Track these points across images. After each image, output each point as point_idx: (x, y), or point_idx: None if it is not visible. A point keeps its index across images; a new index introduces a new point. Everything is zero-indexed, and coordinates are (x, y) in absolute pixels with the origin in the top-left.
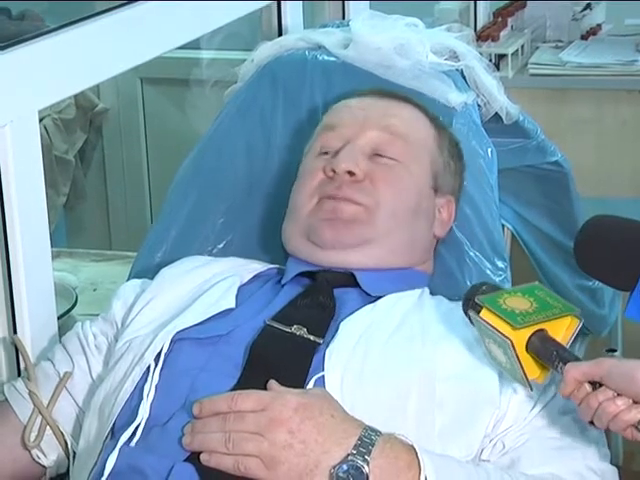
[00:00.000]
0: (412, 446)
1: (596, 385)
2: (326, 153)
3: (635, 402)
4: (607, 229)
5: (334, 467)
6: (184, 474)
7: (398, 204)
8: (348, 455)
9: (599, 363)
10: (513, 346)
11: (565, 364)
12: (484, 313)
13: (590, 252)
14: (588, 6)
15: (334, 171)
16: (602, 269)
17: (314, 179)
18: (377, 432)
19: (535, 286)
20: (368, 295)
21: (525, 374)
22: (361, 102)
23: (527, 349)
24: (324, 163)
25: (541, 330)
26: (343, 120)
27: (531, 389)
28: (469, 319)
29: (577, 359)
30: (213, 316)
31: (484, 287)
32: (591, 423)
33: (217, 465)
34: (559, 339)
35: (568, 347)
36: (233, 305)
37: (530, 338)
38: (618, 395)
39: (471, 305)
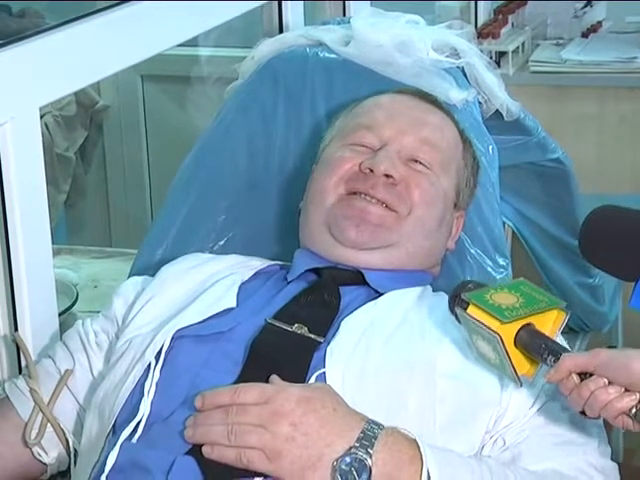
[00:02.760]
0: (414, 440)
1: (587, 375)
2: (357, 145)
3: (626, 390)
4: (612, 220)
5: (337, 460)
6: (186, 467)
7: (428, 213)
8: (351, 448)
9: (595, 354)
10: (502, 341)
11: (554, 356)
12: (471, 309)
13: (595, 242)
14: (589, 3)
15: (371, 170)
16: (606, 259)
17: (341, 168)
18: (380, 425)
19: (521, 282)
20: (374, 292)
21: (515, 369)
22: (393, 101)
23: (515, 343)
24: (357, 155)
25: (529, 324)
26: (378, 120)
27: (521, 384)
28: (456, 317)
29: (566, 350)
30: (214, 315)
31: (470, 285)
32: (582, 413)
33: (219, 457)
34: (547, 332)
35: (556, 340)
36: (234, 304)
37: (518, 332)
38: (610, 383)
39: (457, 302)
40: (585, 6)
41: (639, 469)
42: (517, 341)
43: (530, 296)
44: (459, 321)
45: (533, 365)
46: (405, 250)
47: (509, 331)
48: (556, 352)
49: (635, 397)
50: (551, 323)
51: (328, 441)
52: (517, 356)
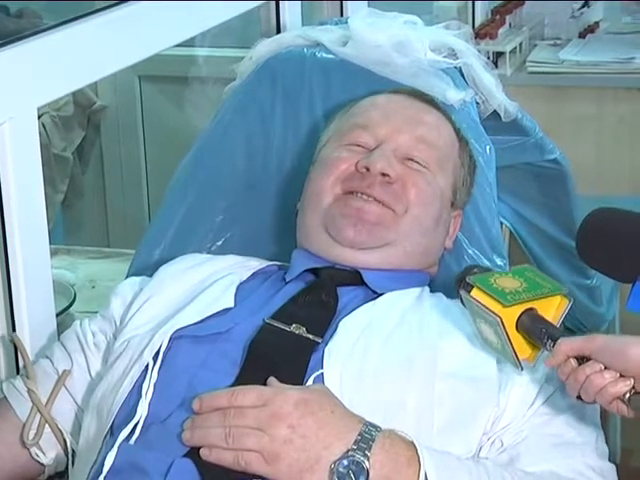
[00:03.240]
0: (412, 442)
1: (584, 360)
2: (353, 145)
3: (621, 376)
4: (610, 221)
5: (334, 462)
6: (184, 469)
7: (424, 212)
8: (348, 450)
9: (591, 339)
10: (503, 324)
11: (555, 342)
12: (475, 292)
13: (592, 244)
14: (586, 4)
15: (367, 169)
16: (604, 261)
17: (338, 168)
18: (377, 428)
19: (526, 268)
20: (371, 293)
21: (515, 353)
22: (389, 101)
23: (517, 328)
24: (353, 155)
25: (531, 309)
26: (374, 119)
27: (522, 369)
28: (461, 300)
29: (566, 336)
30: (212, 315)
31: (475, 269)
32: (579, 398)
33: (217, 460)
34: (549, 318)
35: (559, 326)
36: (232, 304)
37: (520, 316)
38: (606, 369)
39: (462, 285)
40: (582, 6)
41: (637, 469)
42: (519, 325)
43: (534, 282)
44: (464, 304)
45: (534, 350)
46: (403, 249)
47: (511, 314)
48: (556, 337)
49: (629, 382)
50: (554, 309)
51: (326, 443)
52: (518, 340)
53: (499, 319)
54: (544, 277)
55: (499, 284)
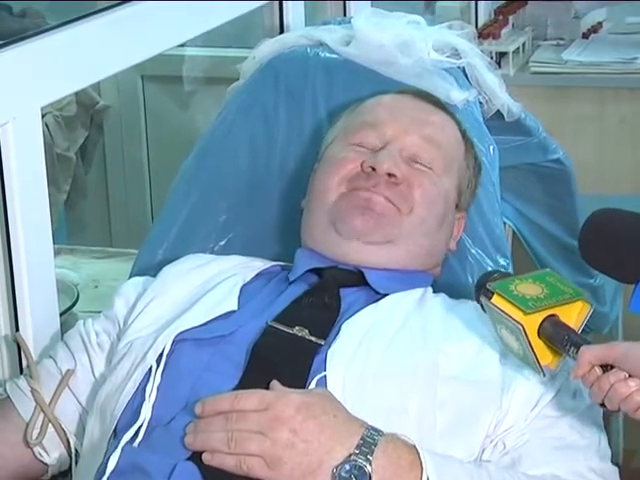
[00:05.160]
0: (414, 446)
1: (607, 368)
2: (360, 145)
3: None
4: (613, 222)
5: (337, 467)
6: (187, 473)
7: (428, 212)
8: (351, 455)
9: (613, 346)
10: (525, 331)
11: (577, 348)
12: (495, 299)
13: (595, 244)
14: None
15: (373, 169)
16: (606, 261)
17: (344, 168)
18: (379, 432)
19: (546, 272)
20: (374, 294)
21: (537, 360)
22: (395, 101)
23: (539, 334)
24: (359, 156)
25: (553, 315)
26: (381, 118)
27: (544, 375)
28: (481, 306)
29: (589, 343)
30: (215, 317)
31: (496, 274)
32: (602, 405)
33: (219, 464)
34: (571, 324)
35: (580, 332)
36: (235, 307)
37: (542, 323)
38: (630, 377)
39: (483, 292)
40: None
41: (639, 471)
42: (541, 332)
43: (555, 287)
44: (484, 310)
45: (556, 356)
46: (406, 248)
47: (532, 322)
48: (579, 344)
49: None
50: (575, 315)
51: (328, 448)
52: (540, 347)
53: (521, 326)
54: (565, 282)
55: (520, 290)
